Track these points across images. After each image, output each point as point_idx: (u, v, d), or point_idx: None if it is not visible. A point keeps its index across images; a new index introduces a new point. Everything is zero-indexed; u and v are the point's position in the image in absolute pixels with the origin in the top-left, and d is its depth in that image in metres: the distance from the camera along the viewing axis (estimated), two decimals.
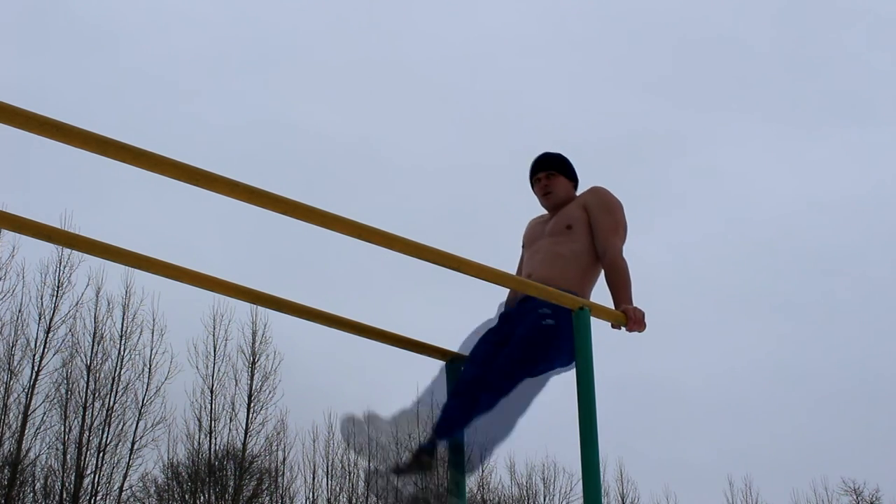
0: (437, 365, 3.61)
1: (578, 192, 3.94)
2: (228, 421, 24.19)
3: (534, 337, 3.45)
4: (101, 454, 22.30)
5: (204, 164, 2.33)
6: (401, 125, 40.27)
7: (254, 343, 25.00)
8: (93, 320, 23.26)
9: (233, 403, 24.35)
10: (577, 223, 3.73)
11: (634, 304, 3.55)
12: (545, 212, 4.00)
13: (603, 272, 3.68)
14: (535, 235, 3.91)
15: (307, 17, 40.91)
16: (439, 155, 39.59)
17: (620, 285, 3.57)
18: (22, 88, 28.92)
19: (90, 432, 22.32)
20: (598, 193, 3.82)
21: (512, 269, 3.96)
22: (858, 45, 42.12)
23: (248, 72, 38.75)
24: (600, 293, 3.72)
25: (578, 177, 3.98)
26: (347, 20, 41.38)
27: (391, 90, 40.66)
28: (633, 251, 3.74)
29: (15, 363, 21.96)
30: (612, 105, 41.31)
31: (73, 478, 21.89)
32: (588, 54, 43.43)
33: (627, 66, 41.69)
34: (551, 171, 3.90)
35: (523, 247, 3.99)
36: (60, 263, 23.06)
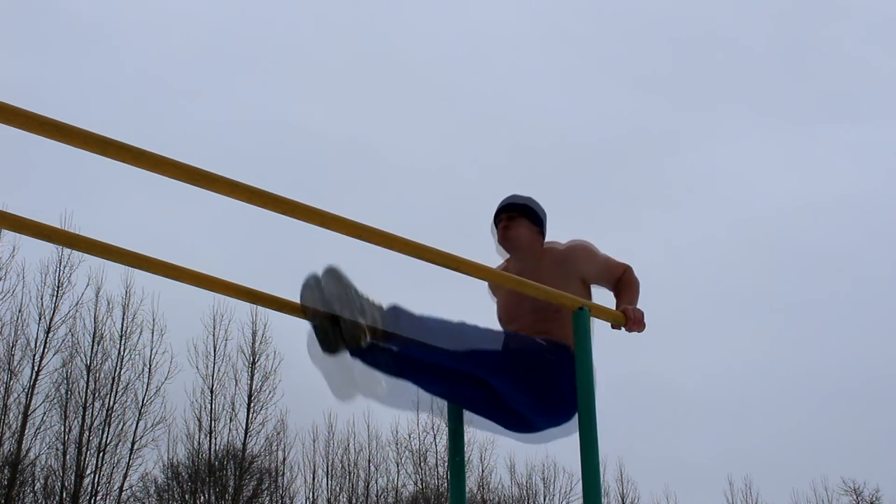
0: None
1: (549, 244, 3.66)
2: (228, 421, 24.24)
3: (526, 354, 3.24)
4: (101, 454, 22.31)
5: (198, 163, 2.33)
6: (395, 123, 40.29)
7: (254, 343, 25.03)
8: (93, 320, 23.31)
9: (233, 403, 24.39)
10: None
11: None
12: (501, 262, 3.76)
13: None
14: (510, 312, 3.62)
15: (302, 16, 40.93)
16: (433, 154, 39.63)
17: (625, 291, 3.59)
18: (15, 86, 28.92)
19: (90, 432, 22.34)
20: (582, 260, 3.56)
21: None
22: (856, 43, 42.18)
23: (243, 70, 38.81)
24: (599, 291, 3.72)
25: (546, 223, 3.70)
26: (342, 18, 41.42)
27: (385, 88, 40.69)
28: (630, 250, 3.76)
29: (15, 363, 21.99)
30: (608, 103, 41.38)
31: (73, 478, 21.90)
32: (584, 52, 43.53)
33: (623, 65, 41.74)
34: (514, 214, 3.65)
35: (499, 319, 3.72)
36: (60, 263, 23.11)
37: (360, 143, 39.24)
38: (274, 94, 38.74)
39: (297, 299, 3.09)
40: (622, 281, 3.62)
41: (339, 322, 2.93)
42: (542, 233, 3.70)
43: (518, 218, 3.64)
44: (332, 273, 2.98)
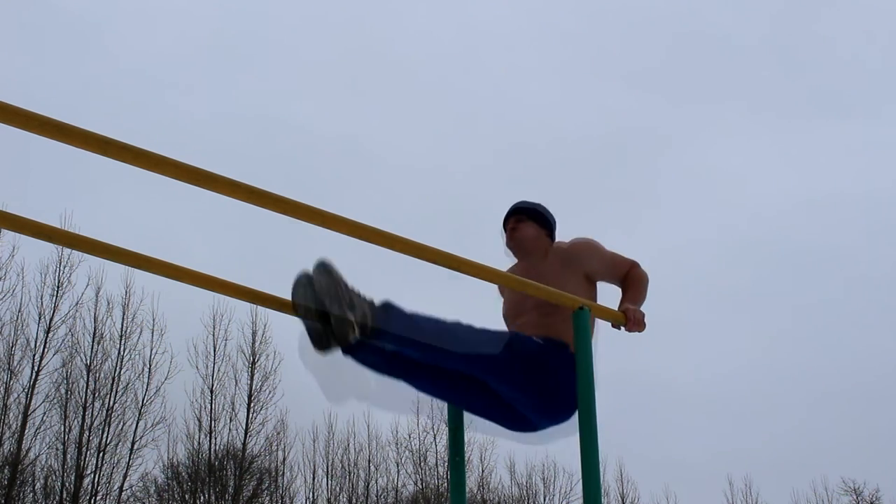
0: None
1: (557, 247, 3.69)
2: (228, 421, 24.23)
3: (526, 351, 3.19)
4: (101, 454, 22.31)
5: (190, 160, 2.32)
6: (388, 121, 40.25)
7: (254, 343, 25.03)
8: (93, 320, 23.30)
9: (233, 403, 24.39)
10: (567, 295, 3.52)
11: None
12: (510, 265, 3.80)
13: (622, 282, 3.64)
14: (516, 308, 3.63)
15: (295, 13, 40.90)
16: (427, 151, 39.60)
17: (631, 288, 3.58)
18: (10, 84, 28.91)
19: (90, 432, 22.33)
20: (586, 254, 3.59)
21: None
22: (851, 39, 42.13)
23: (235, 67, 38.78)
24: (601, 294, 3.72)
25: (555, 228, 3.75)
26: (335, 15, 41.40)
27: (379, 86, 40.67)
28: (626, 249, 3.74)
29: (15, 363, 21.98)
30: (601, 101, 41.39)
31: (73, 478, 21.90)
32: (578, 50, 43.43)
33: (617, 62, 41.74)
34: (522, 216, 3.71)
35: (505, 317, 3.74)
36: (60, 263, 23.10)
37: (354, 140, 39.24)
38: (267, 91, 38.72)
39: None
40: (628, 277, 3.62)
41: (329, 319, 2.88)
42: (551, 236, 3.74)
43: (525, 220, 3.70)
44: (323, 268, 2.93)
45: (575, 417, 3.25)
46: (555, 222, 3.76)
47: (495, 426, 3.46)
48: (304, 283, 2.95)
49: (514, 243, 3.70)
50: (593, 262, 3.59)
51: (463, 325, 3.12)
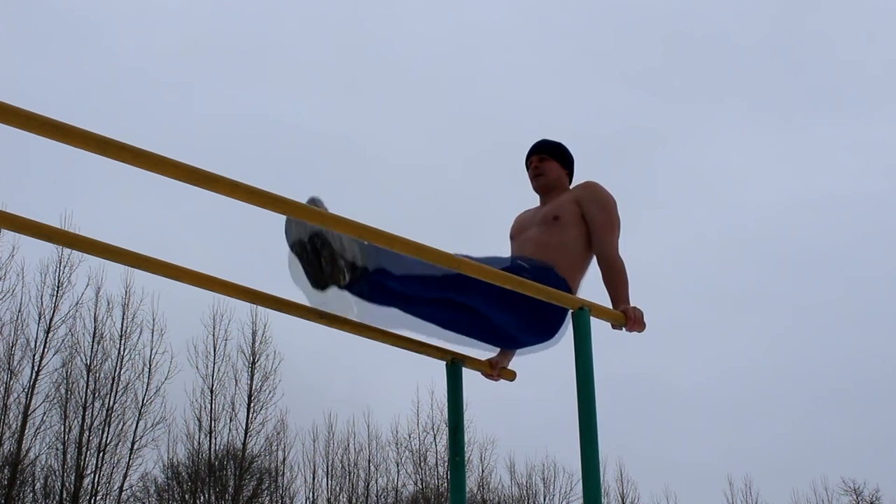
0: (438, 365, 3.61)
1: (573, 185, 3.91)
2: (228, 421, 24.23)
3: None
4: (101, 454, 22.31)
5: (191, 161, 2.32)
6: (385, 120, 40.24)
7: (254, 343, 25.03)
8: (93, 320, 23.30)
9: (233, 403, 24.39)
10: (565, 214, 3.68)
11: (632, 304, 3.54)
12: (533, 206, 3.98)
13: (599, 270, 3.67)
14: (522, 226, 3.88)
15: (294, 13, 40.89)
16: (426, 151, 39.60)
17: (618, 284, 3.57)
18: (6, 83, 28.90)
19: (90, 432, 22.33)
20: (591, 189, 3.76)
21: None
22: (848, 38, 42.12)
23: (235, 67, 38.75)
24: (599, 292, 3.72)
25: (574, 168, 3.98)
26: (334, 15, 41.41)
27: (376, 85, 40.67)
28: (627, 251, 3.73)
29: (15, 363, 21.99)
30: (599, 100, 41.38)
31: (73, 478, 21.90)
32: (575, 49, 43.44)
33: (616, 62, 41.74)
34: (544, 155, 3.93)
35: (511, 238, 3.93)
36: (60, 263, 23.11)
37: (353, 139, 39.23)
38: (266, 91, 38.72)
39: (297, 299, 3.10)
40: (613, 270, 3.60)
41: (321, 259, 2.92)
42: (570, 174, 3.97)
43: (548, 159, 3.92)
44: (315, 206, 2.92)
45: (560, 334, 3.43)
46: (573, 161, 3.98)
47: (483, 345, 3.54)
48: (295, 222, 2.97)
49: (540, 184, 3.90)
50: (591, 208, 3.69)
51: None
